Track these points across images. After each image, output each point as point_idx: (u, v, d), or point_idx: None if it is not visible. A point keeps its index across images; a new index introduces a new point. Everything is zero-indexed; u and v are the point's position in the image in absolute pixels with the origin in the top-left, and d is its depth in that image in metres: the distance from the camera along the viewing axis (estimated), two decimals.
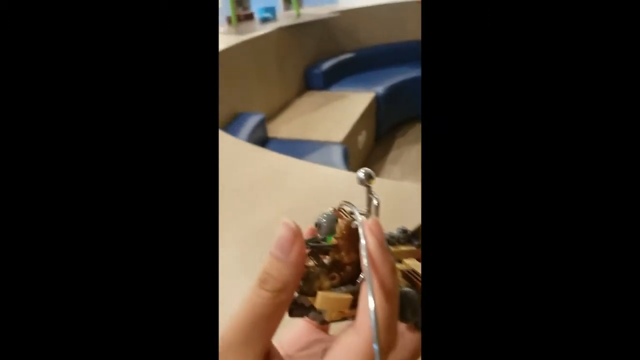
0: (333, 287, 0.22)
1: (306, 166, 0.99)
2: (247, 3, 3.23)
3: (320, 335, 0.27)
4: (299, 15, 3.05)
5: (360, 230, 0.20)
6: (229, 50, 2.14)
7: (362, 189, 0.24)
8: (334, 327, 0.24)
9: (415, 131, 3.05)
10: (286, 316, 0.21)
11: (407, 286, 0.23)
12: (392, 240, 0.25)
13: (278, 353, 0.22)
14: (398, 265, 0.24)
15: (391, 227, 0.26)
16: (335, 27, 3.17)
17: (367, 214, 0.24)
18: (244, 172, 0.97)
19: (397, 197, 0.78)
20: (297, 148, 2.07)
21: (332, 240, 0.22)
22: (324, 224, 0.24)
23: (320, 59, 3.09)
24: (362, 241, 0.20)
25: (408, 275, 0.24)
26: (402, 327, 0.24)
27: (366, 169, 0.23)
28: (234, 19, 2.91)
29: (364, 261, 0.19)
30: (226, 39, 2.29)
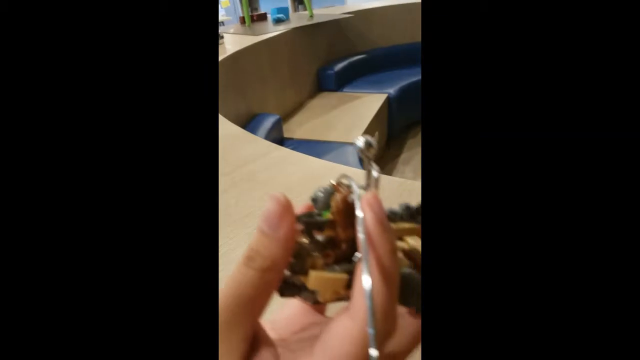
0: (327, 266, 0.20)
1: (328, 165, 1.00)
2: (257, 3, 3.22)
3: (317, 317, 0.24)
4: (311, 16, 3.05)
5: (358, 204, 0.18)
6: (247, 50, 2.16)
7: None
8: (332, 308, 0.22)
9: None
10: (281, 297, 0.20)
11: (410, 267, 0.21)
12: (393, 217, 0.23)
13: (267, 337, 0.20)
14: (400, 244, 0.22)
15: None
16: (347, 27, 3.17)
17: (366, 188, 0.21)
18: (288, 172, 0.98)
19: (407, 195, 0.78)
20: (313, 148, 2.08)
21: (328, 215, 0.20)
22: (321, 198, 0.22)
23: (332, 59, 3.10)
24: (359, 215, 0.18)
25: (411, 255, 0.22)
26: (402, 310, 0.22)
27: (366, 135, 0.20)
28: (247, 20, 2.92)
29: (360, 237, 0.17)
30: (241, 40, 2.30)
